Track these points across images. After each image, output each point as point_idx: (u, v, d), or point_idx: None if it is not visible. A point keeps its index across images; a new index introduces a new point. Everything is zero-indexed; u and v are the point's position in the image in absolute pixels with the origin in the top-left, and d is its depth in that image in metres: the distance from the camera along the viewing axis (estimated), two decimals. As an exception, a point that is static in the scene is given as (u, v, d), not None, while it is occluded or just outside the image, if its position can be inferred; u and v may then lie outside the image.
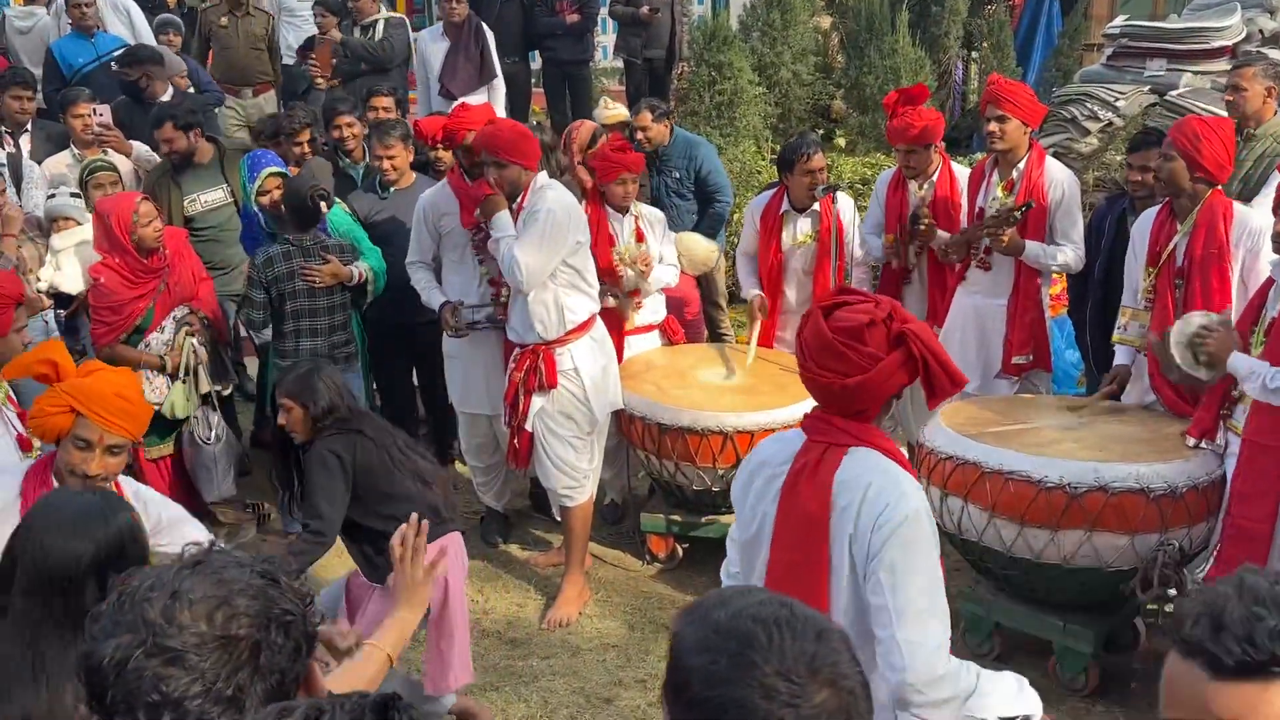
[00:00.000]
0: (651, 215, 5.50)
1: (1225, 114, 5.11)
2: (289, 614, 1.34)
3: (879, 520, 2.28)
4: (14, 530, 2.30)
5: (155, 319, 5.08)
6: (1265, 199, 4.44)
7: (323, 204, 5.12)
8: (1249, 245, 4.14)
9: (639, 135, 6.36)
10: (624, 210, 5.35)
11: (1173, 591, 3.88)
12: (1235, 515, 3.84)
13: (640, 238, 5.36)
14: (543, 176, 4.75)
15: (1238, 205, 4.29)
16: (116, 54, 7.08)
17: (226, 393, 5.35)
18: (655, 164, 6.37)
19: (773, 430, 4.88)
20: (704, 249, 6.05)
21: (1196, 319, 3.89)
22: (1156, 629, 4.28)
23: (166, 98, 6.65)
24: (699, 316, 6.42)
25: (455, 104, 5.91)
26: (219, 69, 8.06)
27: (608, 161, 5.26)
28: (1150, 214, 4.46)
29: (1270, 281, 3.87)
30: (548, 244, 4.54)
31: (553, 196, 4.61)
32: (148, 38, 8.00)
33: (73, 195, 5.49)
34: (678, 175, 6.39)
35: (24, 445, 3.62)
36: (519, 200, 4.64)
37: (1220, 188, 4.24)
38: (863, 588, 2.32)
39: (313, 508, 3.89)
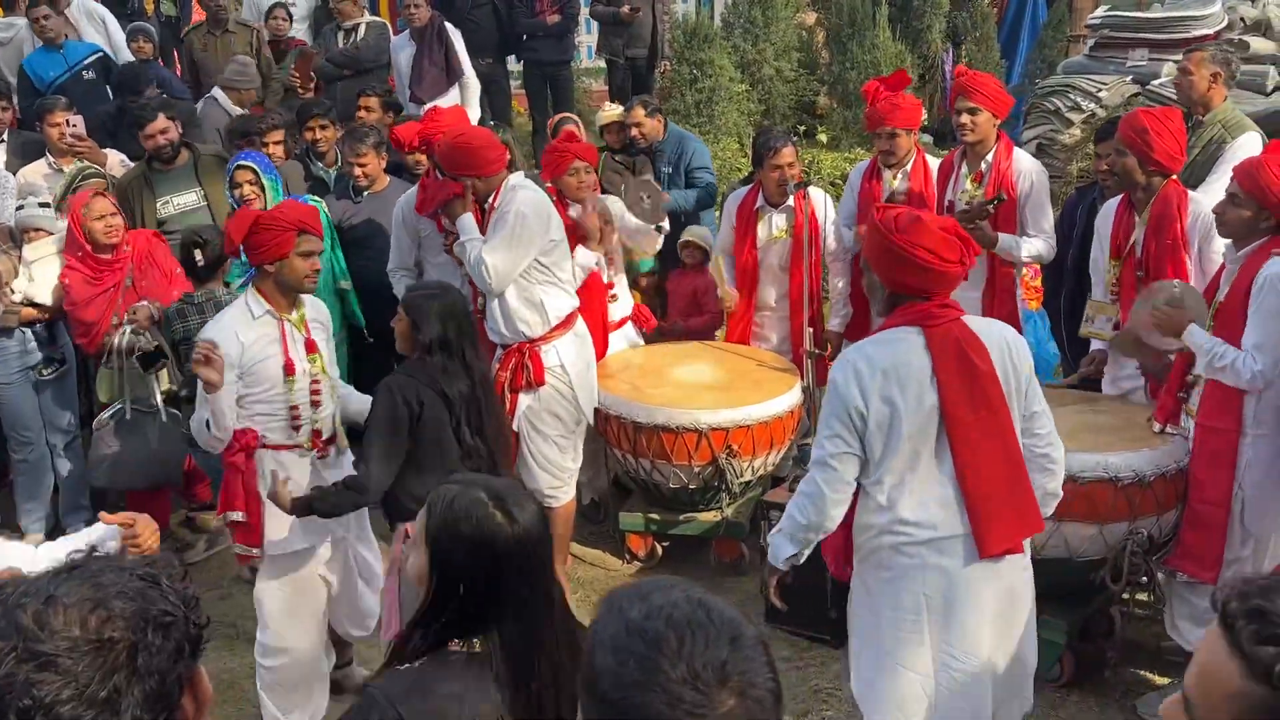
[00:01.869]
0: (613, 206, 5.49)
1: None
2: (168, 615, 1.32)
3: (1023, 355, 3.06)
4: None
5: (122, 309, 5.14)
6: (1212, 184, 4.44)
7: (198, 253, 4.79)
8: (1203, 232, 4.16)
9: (633, 131, 6.51)
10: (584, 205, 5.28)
11: (1144, 579, 3.88)
12: (1192, 500, 3.85)
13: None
14: (516, 176, 4.74)
15: (1192, 194, 4.29)
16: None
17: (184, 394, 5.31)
18: (652, 159, 6.63)
19: (747, 427, 4.89)
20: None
21: (1175, 287, 3.91)
22: (1130, 618, 4.26)
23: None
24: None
25: (427, 108, 5.92)
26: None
27: (556, 153, 5.21)
28: (1111, 206, 4.47)
29: (1223, 266, 3.87)
30: (516, 245, 4.53)
31: (523, 197, 4.60)
32: (121, 46, 8.02)
33: (41, 205, 5.47)
34: (669, 170, 6.55)
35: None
36: (491, 201, 4.64)
37: (1175, 177, 4.24)
38: (1023, 405, 3.04)
39: (364, 456, 3.70)
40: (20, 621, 1.27)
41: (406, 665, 2.04)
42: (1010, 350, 3.04)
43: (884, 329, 3.08)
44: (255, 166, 5.18)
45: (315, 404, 3.93)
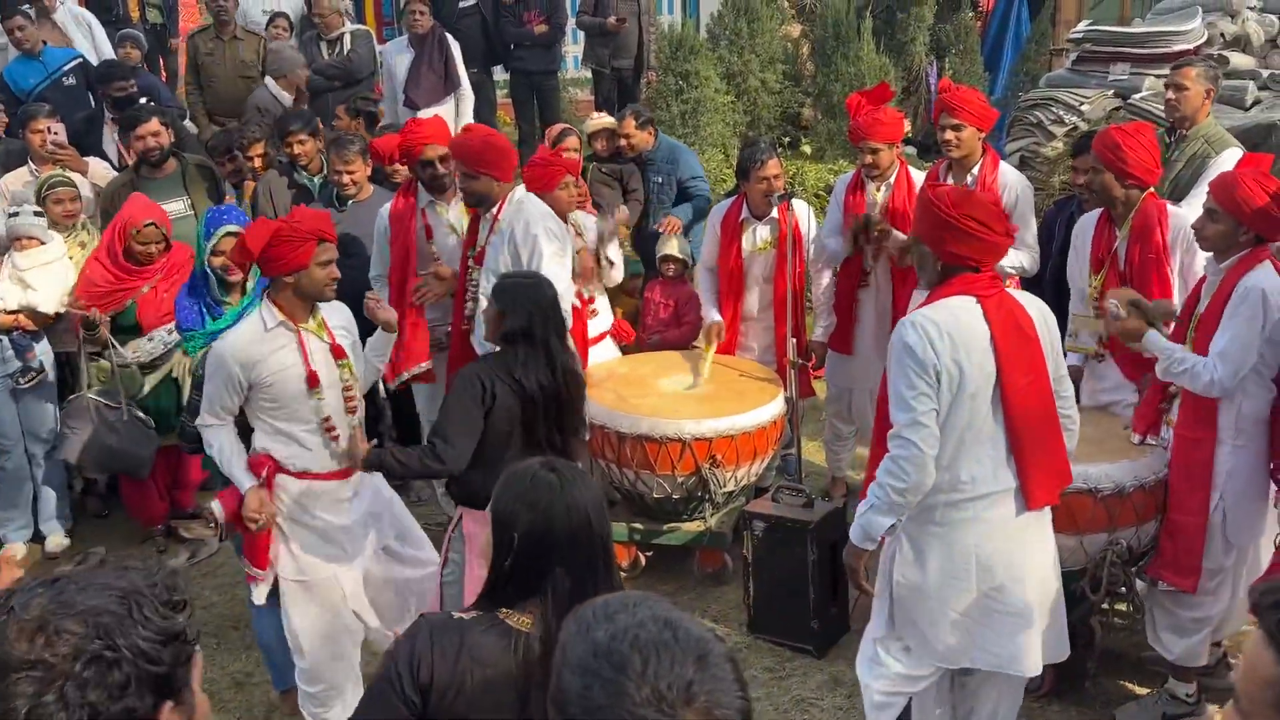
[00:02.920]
0: (584, 220, 5.57)
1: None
2: (111, 649, 1.30)
3: (1054, 324, 3.36)
4: None
5: (139, 316, 5.19)
6: (1195, 198, 4.48)
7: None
8: (1185, 245, 4.20)
9: (622, 141, 6.56)
10: (564, 218, 5.32)
11: (1123, 590, 3.90)
12: (1171, 510, 3.88)
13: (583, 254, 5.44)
14: (520, 190, 4.76)
15: (1171, 207, 4.34)
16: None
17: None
18: (641, 170, 6.71)
19: (731, 437, 4.90)
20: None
21: (1124, 293, 4.00)
22: (1110, 628, 4.29)
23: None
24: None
25: (408, 119, 5.95)
26: (210, 101, 8.04)
27: (547, 167, 5.19)
28: (1090, 219, 4.50)
29: (1204, 278, 3.91)
30: (565, 257, 4.65)
31: (538, 213, 4.64)
32: (108, 52, 8.01)
33: (35, 214, 5.45)
34: (660, 180, 6.61)
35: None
36: (495, 210, 4.65)
37: (1153, 190, 4.29)
38: (1055, 369, 3.31)
39: (440, 429, 3.66)
40: None
41: (461, 613, 2.23)
42: (1046, 319, 3.33)
43: (939, 298, 3.27)
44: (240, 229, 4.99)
45: (351, 410, 3.87)
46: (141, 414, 5.26)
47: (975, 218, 3.16)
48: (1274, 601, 1.48)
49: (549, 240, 4.54)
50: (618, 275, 5.70)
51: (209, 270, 4.62)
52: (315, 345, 3.79)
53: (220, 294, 4.67)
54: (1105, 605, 4.12)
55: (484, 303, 4.45)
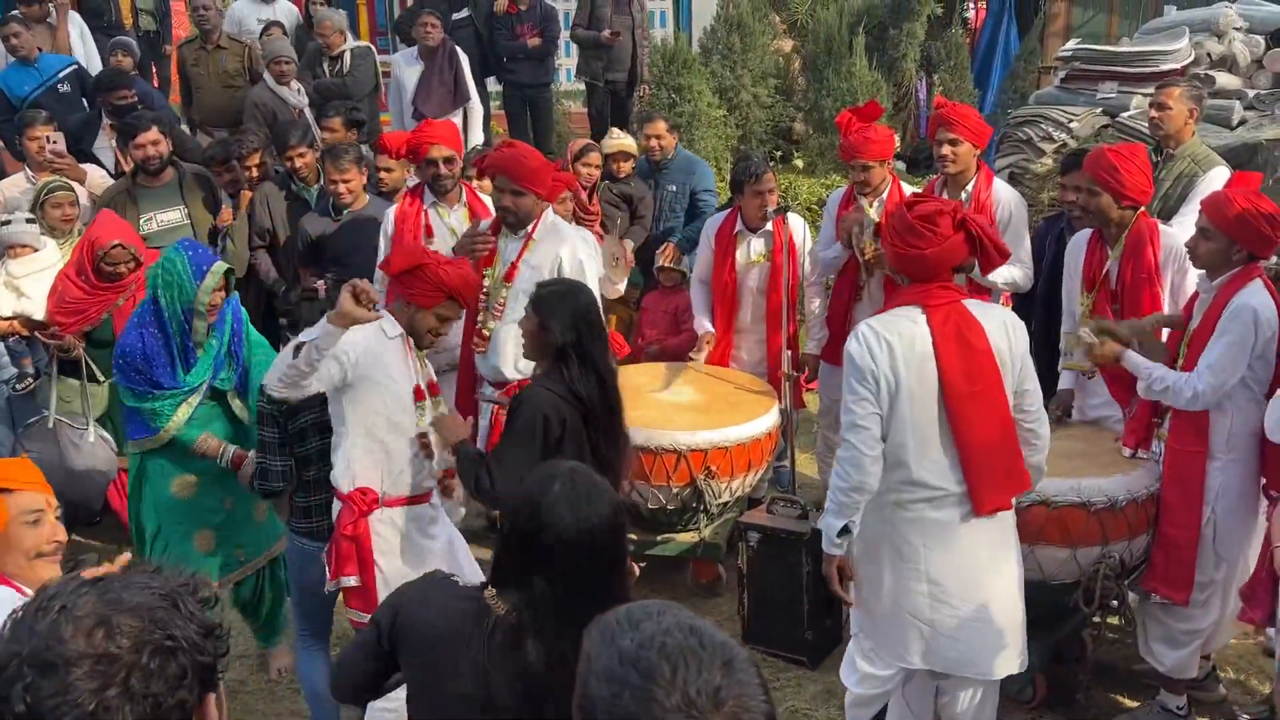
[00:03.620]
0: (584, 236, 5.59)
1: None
2: (171, 640, 1.34)
3: (1020, 336, 3.37)
4: None
5: (116, 330, 5.01)
6: (1185, 217, 4.55)
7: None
8: (1176, 265, 4.26)
9: (654, 143, 6.63)
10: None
11: (1115, 603, 3.95)
12: (1163, 524, 3.93)
13: None
14: (549, 210, 4.78)
15: (1163, 227, 4.40)
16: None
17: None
18: (656, 176, 6.75)
19: (725, 448, 4.94)
20: None
21: (1083, 332, 4.09)
22: (1102, 641, 4.33)
23: None
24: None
25: (423, 119, 6.01)
26: (197, 111, 8.06)
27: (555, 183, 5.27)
28: (1082, 238, 4.55)
29: (1195, 296, 3.97)
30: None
31: (579, 237, 4.78)
32: (94, 57, 8.02)
33: (28, 221, 5.45)
34: (674, 189, 6.66)
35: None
36: (530, 230, 4.66)
37: (1144, 209, 4.35)
38: (1016, 381, 3.34)
39: (500, 455, 3.54)
40: (37, 627, 1.31)
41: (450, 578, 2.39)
42: (1008, 330, 3.36)
43: (888, 308, 3.45)
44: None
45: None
46: (106, 434, 5.17)
47: (899, 232, 3.30)
48: None
49: (591, 265, 4.66)
50: (621, 289, 5.77)
51: (199, 310, 4.13)
52: (421, 371, 3.78)
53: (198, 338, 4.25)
54: (1097, 618, 4.17)
55: (510, 324, 4.49)
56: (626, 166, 6.71)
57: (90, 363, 5.11)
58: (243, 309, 4.46)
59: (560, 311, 3.56)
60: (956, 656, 3.44)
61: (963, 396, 3.27)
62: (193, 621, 1.38)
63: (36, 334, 5.16)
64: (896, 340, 3.28)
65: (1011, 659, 3.49)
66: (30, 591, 2.35)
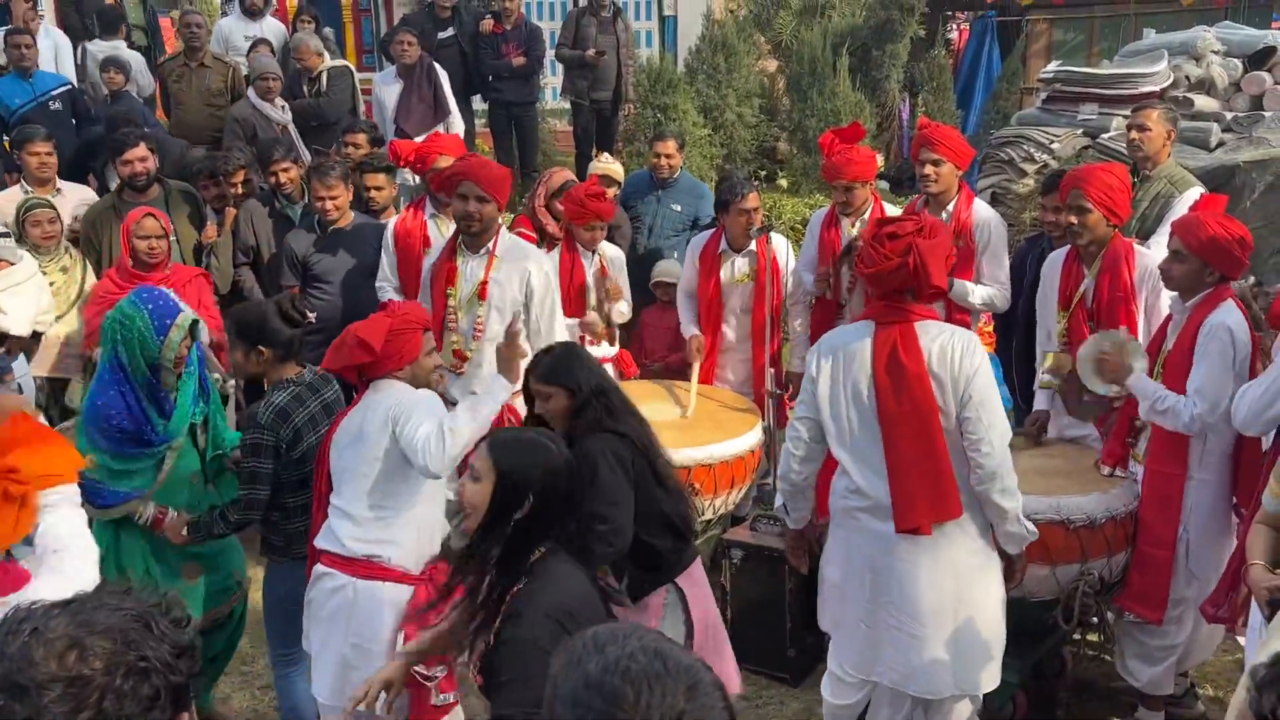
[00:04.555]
0: (615, 256, 5.77)
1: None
2: (144, 661, 1.34)
3: (968, 362, 3.29)
4: None
5: None
6: (1161, 237, 4.60)
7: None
8: (1151, 285, 4.31)
9: (664, 161, 6.67)
10: (591, 250, 5.64)
11: (1094, 620, 3.97)
12: (1140, 542, 3.96)
13: (604, 274, 5.68)
14: (506, 230, 4.89)
15: (1138, 247, 4.46)
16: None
17: None
18: (659, 192, 6.75)
19: (709, 466, 4.95)
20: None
21: (1105, 339, 4.09)
22: (1081, 658, 4.35)
23: None
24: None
25: (432, 132, 6.13)
26: (177, 128, 8.05)
27: (583, 208, 5.51)
28: (1058, 257, 4.61)
29: (1169, 317, 4.01)
30: None
31: (544, 256, 4.87)
32: (69, 70, 8.03)
33: (2, 234, 5.43)
34: (679, 209, 6.67)
35: None
36: (490, 247, 4.69)
37: (1119, 230, 4.41)
38: (958, 405, 3.30)
39: (597, 514, 3.27)
40: (8, 649, 1.31)
41: (528, 579, 2.52)
42: (951, 356, 3.32)
43: (860, 318, 3.57)
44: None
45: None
46: None
47: (859, 252, 3.46)
48: (1274, 679, 1.56)
49: (554, 280, 4.76)
50: (626, 312, 5.85)
51: (165, 365, 3.83)
52: None
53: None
54: (1077, 635, 4.19)
55: (489, 341, 4.55)
56: (609, 192, 6.50)
57: None
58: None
59: (575, 368, 3.47)
60: (904, 672, 3.46)
61: (892, 414, 3.34)
62: (165, 642, 1.38)
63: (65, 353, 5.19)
64: (841, 355, 3.43)
65: (967, 678, 3.45)
66: None
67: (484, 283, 4.70)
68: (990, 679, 3.52)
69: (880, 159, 10.02)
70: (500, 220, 4.80)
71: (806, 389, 3.50)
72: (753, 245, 5.53)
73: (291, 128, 7.65)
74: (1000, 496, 3.34)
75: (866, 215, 5.41)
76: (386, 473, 3.48)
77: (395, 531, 3.52)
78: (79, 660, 1.31)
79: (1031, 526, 3.48)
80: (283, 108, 7.67)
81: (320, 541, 3.58)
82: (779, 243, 5.62)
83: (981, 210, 5.15)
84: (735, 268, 5.62)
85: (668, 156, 6.68)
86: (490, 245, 4.70)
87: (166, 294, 4.00)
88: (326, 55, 8.27)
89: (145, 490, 3.86)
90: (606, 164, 6.81)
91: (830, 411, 3.44)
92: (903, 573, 3.40)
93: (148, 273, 5.14)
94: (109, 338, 3.84)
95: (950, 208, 5.09)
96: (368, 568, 3.49)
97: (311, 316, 4.02)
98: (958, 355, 3.32)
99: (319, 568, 3.56)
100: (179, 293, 4.99)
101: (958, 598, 3.42)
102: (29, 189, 6.08)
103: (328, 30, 9.61)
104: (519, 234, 5.42)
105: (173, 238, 5.76)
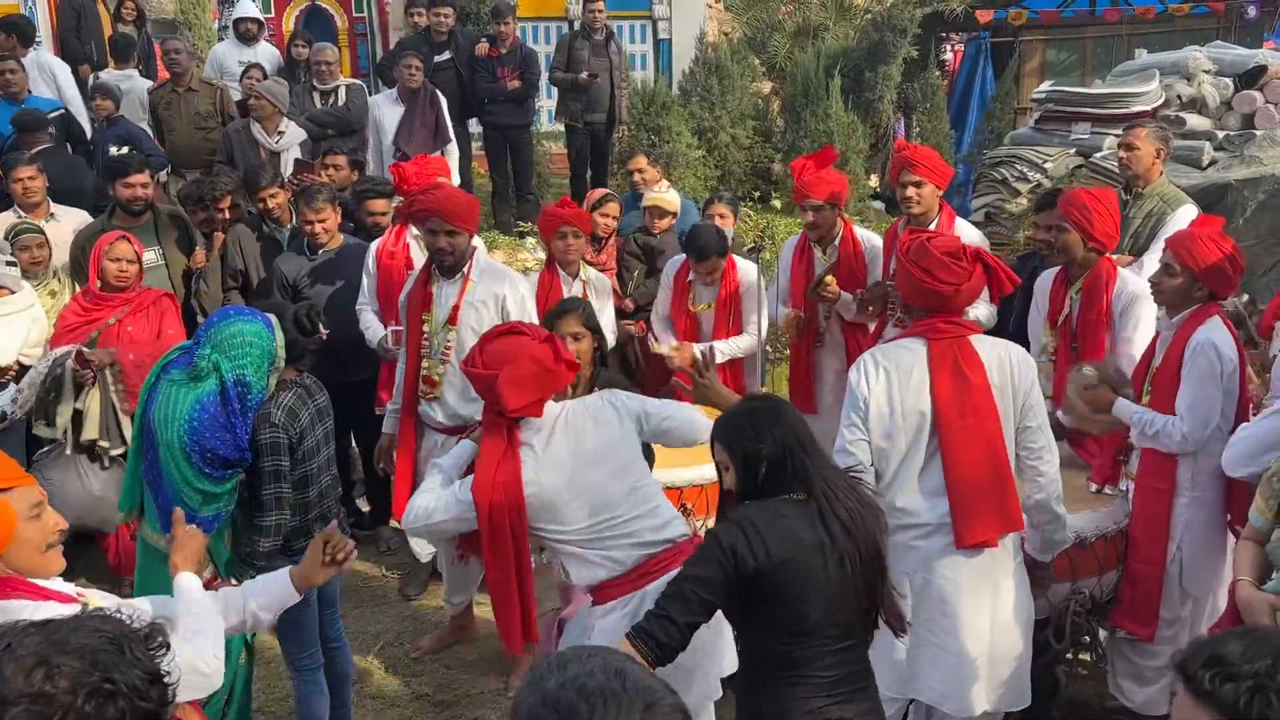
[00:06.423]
0: (598, 280, 5.66)
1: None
2: (109, 684, 1.35)
3: (1024, 373, 3.37)
4: None
5: (100, 346, 5.06)
6: (1155, 252, 4.61)
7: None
8: (1125, 303, 4.35)
9: (638, 177, 6.81)
10: (573, 274, 5.51)
11: (1086, 639, 3.94)
12: (1131, 559, 3.94)
13: (584, 297, 5.49)
14: (481, 247, 4.85)
15: (1123, 272, 4.49)
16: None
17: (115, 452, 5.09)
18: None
19: (702, 486, 4.92)
20: None
21: (1087, 371, 4.07)
22: (1074, 677, 4.31)
23: None
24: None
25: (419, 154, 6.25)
26: (171, 154, 8.09)
27: (550, 217, 5.46)
28: (1049, 276, 4.64)
29: (1158, 335, 4.00)
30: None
31: (519, 278, 4.79)
32: (72, 100, 8.06)
33: (8, 264, 5.39)
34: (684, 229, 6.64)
35: None
36: (465, 271, 4.67)
37: (1109, 255, 4.44)
38: (1018, 417, 3.35)
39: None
40: None
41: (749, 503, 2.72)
42: (1011, 366, 3.37)
43: (897, 338, 3.52)
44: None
45: None
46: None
47: (921, 265, 3.34)
48: (1207, 658, 1.54)
49: (530, 302, 4.72)
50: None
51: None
52: None
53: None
54: (1069, 654, 4.15)
55: (453, 366, 4.52)
56: (662, 224, 6.36)
57: (109, 379, 5.03)
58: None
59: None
60: (944, 691, 3.42)
61: (954, 428, 3.29)
62: (137, 667, 1.38)
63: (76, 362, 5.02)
64: (894, 369, 3.35)
65: (1011, 696, 3.46)
66: (48, 585, 2.34)
67: (455, 308, 4.66)
68: (1021, 697, 3.50)
69: (875, 179, 10.08)
70: (475, 244, 4.76)
71: (858, 408, 3.35)
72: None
73: (287, 154, 7.59)
74: (1058, 504, 3.43)
75: (837, 242, 5.39)
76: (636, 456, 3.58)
77: (569, 561, 3.51)
78: (45, 678, 1.32)
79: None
80: (277, 138, 7.59)
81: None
82: (745, 266, 5.61)
83: (965, 229, 5.15)
84: (698, 296, 5.63)
85: (640, 171, 6.83)
86: (465, 269, 4.69)
87: (244, 306, 3.99)
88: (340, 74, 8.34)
89: (226, 512, 3.76)
90: (659, 193, 6.49)
91: (882, 429, 3.34)
92: (944, 590, 3.36)
93: (113, 295, 5.12)
94: (232, 366, 3.62)
95: (932, 227, 5.08)
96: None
97: (325, 333, 4.00)
98: (1016, 365, 3.36)
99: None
100: (142, 314, 5.09)
101: (994, 615, 3.41)
102: (22, 215, 6.08)
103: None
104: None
105: (152, 263, 5.79)
